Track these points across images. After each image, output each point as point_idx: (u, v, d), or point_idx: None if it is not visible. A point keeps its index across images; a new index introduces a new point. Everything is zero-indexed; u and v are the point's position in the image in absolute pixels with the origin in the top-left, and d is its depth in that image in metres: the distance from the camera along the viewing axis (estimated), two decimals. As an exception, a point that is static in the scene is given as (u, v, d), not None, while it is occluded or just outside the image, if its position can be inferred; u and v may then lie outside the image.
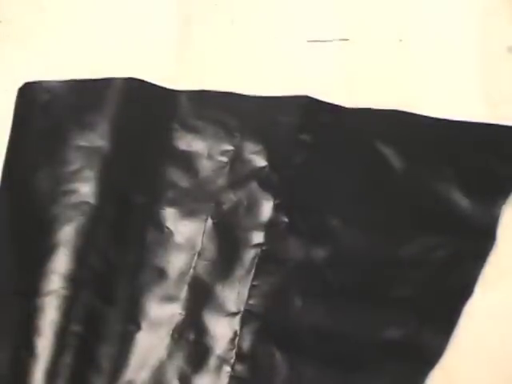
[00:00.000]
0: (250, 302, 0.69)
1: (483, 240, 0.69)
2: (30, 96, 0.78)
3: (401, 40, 0.80)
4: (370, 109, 0.75)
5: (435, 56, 0.79)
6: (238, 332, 0.68)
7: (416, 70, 0.78)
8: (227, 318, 0.68)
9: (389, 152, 0.73)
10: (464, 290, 0.67)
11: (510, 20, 0.79)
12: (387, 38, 0.80)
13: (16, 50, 0.81)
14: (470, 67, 0.78)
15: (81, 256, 0.70)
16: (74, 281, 0.70)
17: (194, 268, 0.70)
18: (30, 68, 0.80)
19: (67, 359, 0.67)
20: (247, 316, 0.68)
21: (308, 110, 0.76)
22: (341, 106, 0.76)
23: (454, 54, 0.79)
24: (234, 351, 0.67)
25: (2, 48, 0.81)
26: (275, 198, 0.72)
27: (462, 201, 0.70)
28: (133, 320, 0.69)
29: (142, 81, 0.78)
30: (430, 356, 0.65)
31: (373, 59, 0.79)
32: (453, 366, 0.64)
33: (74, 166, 0.74)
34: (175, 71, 0.80)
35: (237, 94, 0.77)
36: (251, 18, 0.83)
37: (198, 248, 0.71)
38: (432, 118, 0.74)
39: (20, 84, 0.78)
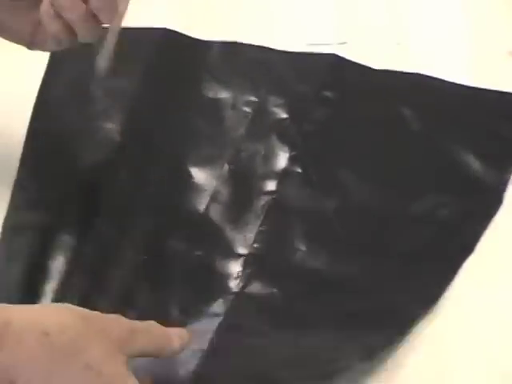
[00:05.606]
0: (255, 245, 0.70)
1: (490, 201, 0.69)
2: None
3: (399, 43, 0.80)
4: (395, 71, 0.76)
5: (433, 59, 0.78)
6: (241, 273, 0.69)
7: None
8: (231, 259, 0.70)
9: (408, 113, 0.74)
10: (465, 248, 0.67)
11: (510, 24, 0.79)
12: (385, 41, 0.80)
13: (16, 50, 0.83)
14: (469, 71, 0.77)
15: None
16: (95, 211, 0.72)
17: (206, 209, 0.72)
18: (30, 67, 0.81)
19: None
20: (251, 258, 0.69)
21: (334, 67, 0.77)
22: (367, 67, 0.77)
23: (453, 57, 0.78)
24: (235, 291, 0.68)
25: (2, 47, 0.82)
26: (292, 149, 0.74)
27: (475, 163, 0.71)
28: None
29: (174, 31, 0.80)
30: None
31: (371, 62, 0.78)
32: (451, 365, 0.62)
33: (101, 106, 0.77)
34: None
35: (267, 47, 0.79)
36: (250, 21, 0.83)
37: (212, 191, 0.73)
38: (453, 83, 0.75)
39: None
